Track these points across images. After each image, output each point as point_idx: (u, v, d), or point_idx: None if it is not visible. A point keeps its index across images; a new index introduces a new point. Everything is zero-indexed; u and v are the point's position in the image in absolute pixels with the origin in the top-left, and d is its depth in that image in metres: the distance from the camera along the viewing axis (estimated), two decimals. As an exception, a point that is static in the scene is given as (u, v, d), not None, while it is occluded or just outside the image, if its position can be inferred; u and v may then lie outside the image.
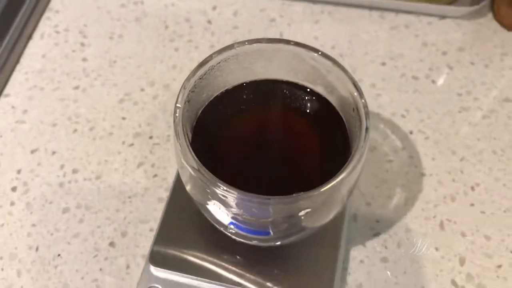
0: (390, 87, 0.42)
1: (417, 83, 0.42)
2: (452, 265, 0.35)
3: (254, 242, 0.31)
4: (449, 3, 0.45)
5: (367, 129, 0.25)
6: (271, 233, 0.29)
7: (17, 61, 0.44)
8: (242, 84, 0.30)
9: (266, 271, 0.33)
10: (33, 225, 0.36)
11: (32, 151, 0.39)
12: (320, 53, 0.27)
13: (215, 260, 0.33)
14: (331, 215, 0.28)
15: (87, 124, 0.40)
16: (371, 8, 0.46)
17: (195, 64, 0.28)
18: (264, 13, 0.46)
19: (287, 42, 0.28)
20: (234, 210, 0.26)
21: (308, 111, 0.30)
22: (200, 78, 0.28)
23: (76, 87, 0.42)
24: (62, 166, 0.39)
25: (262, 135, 0.30)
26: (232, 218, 0.28)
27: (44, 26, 0.46)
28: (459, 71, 0.43)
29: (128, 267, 0.35)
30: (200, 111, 0.29)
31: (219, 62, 0.28)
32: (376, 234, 0.36)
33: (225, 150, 0.28)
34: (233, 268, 0.33)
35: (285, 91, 0.30)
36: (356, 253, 0.35)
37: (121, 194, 0.37)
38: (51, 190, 0.38)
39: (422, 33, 0.45)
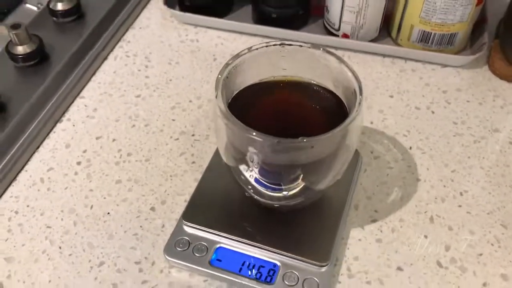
0: (395, 113, 0.50)
1: (419, 112, 0.50)
2: (438, 250, 0.40)
3: (268, 200, 0.38)
4: (455, 53, 0.54)
5: (360, 103, 0.33)
6: (282, 186, 0.37)
7: (93, 74, 0.55)
8: (267, 79, 0.39)
9: (273, 233, 0.39)
10: (91, 190, 0.45)
11: (97, 138, 0.49)
12: (322, 49, 0.36)
13: (232, 222, 0.40)
14: (328, 177, 0.36)
15: (143, 122, 0.50)
16: (384, 55, 0.56)
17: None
18: (295, 53, 0.56)
19: (305, 43, 0.37)
20: (257, 158, 0.34)
21: (319, 99, 0.38)
22: (234, 67, 0.37)
23: (138, 96, 0.52)
24: (119, 150, 0.47)
25: (282, 110, 0.38)
26: (256, 174, 0.36)
27: (118, 51, 0.57)
28: (456, 106, 0.51)
29: (163, 226, 0.42)
30: (235, 93, 0.38)
31: (251, 56, 0.37)
32: (374, 221, 0.42)
33: (253, 117, 0.36)
34: (245, 228, 0.40)
35: (304, 85, 0.39)
36: (355, 234, 0.41)
37: (165, 173, 0.45)
38: (108, 166, 0.46)
39: (426, 76, 0.54)
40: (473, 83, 0.53)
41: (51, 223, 0.42)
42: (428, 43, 0.54)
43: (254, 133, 0.32)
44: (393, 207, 0.43)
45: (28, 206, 0.44)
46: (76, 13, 0.57)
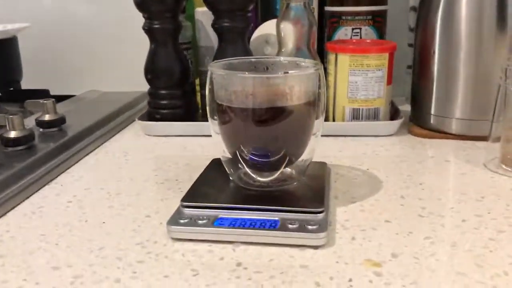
0: (347, 155, 0.59)
1: (365, 155, 0.60)
2: (415, 207, 0.45)
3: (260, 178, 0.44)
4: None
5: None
6: (270, 157, 0.43)
7: (77, 161, 0.60)
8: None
9: (267, 200, 0.43)
10: (84, 213, 0.46)
11: (85, 189, 0.52)
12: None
13: (228, 200, 0.44)
14: (302, 142, 0.44)
15: (128, 178, 0.54)
16: (327, 135, 0.67)
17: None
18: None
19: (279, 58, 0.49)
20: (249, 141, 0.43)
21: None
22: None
23: (127, 160, 0.58)
24: (108, 192, 0.51)
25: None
26: (248, 153, 0.43)
27: (99, 150, 0.64)
28: (394, 151, 0.61)
29: (160, 223, 0.43)
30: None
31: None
32: (354, 202, 0.47)
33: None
34: (241, 201, 0.43)
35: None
36: (341, 209, 0.45)
37: (155, 199, 0.49)
38: (100, 202, 0.49)
39: (364, 142, 0.65)
40: (402, 140, 0.65)
41: (45, 232, 0.42)
42: (359, 119, 0.67)
43: (246, 73, 0.40)
44: (368, 193, 0.48)
45: (20, 227, 0.44)
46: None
